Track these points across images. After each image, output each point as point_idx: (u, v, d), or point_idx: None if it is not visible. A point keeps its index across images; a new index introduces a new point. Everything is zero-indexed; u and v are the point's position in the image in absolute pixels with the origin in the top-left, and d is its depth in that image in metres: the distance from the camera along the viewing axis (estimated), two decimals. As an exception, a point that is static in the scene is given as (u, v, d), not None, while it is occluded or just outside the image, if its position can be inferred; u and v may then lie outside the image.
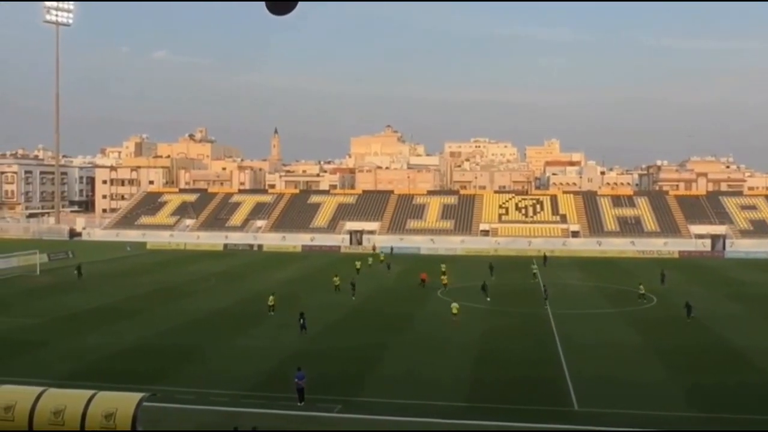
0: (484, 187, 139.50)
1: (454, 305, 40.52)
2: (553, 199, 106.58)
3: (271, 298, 46.16)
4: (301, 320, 39.37)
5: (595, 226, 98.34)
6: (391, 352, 35.83)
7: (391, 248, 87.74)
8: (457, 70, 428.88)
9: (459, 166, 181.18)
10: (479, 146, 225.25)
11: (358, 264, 67.72)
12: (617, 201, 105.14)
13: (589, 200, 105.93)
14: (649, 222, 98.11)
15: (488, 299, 50.99)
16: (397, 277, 64.78)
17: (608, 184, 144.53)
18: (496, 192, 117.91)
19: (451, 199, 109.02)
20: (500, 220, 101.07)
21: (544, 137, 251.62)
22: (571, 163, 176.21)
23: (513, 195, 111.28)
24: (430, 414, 26.18)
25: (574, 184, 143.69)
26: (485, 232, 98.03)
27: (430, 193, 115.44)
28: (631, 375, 31.75)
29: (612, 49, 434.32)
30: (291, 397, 27.51)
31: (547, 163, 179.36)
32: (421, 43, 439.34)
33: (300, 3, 7.39)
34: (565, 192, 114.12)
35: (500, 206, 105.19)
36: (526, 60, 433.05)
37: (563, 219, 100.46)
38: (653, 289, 55.75)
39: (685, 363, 33.90)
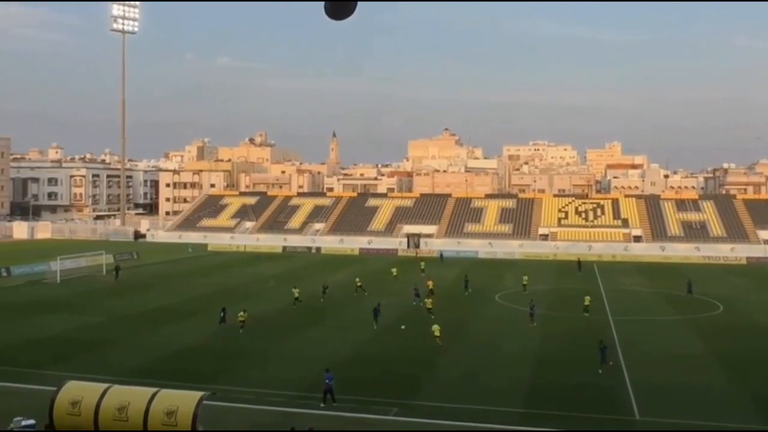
0: (543, 191, 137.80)
1: (436, 327, 39.01)
2: (615, 203, 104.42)
3: (295, 291, 49.81)
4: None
5: (658, 230, 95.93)
6: (446, 356, 35.64)
7: (441, 253, 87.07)
8: (516, 73, 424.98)
9: (518, 169, 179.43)
10: (538, 149, 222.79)
11: (394, 271, 66.25)
12: (682, 205, 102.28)
13: (652, 204, 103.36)
14: (715, 227, 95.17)
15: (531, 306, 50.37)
16: (453, 282, 64.43)
17: (672, 187, 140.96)
18: (555, 195, 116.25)
19: (510, 203, 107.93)
20: (560, 224, 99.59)
21: (606, 140, 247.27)
22: (634, 166, 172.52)
23: (573, 199, 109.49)
24: (487, 419, 25.95)
25: (637, 187, 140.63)
26: (544, 237, 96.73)
27: (488, 196, 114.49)
28: (695, 384, 30.84)
29: (675, 48, 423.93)
30: (347, 399, 27.64)
31: (609, 166, 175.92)
32: (480, 45, 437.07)
33: (357, 7, 7.41)
34: (626, 196, 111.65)
35: (560, 210, 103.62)
36: (586, 61, 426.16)
37: (625, 223, 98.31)
38: (719, 296, 54.06)
39: (751, 373, 32.75)
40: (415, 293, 51.69)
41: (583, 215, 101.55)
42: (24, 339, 38.41)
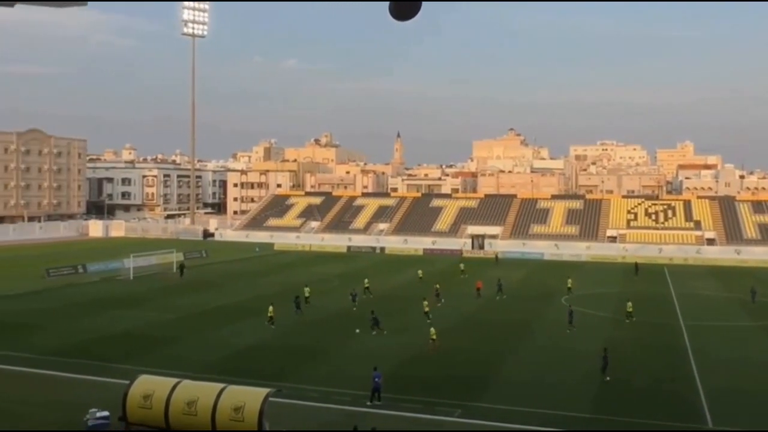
0: (611, 192, 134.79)
1: (432, 330, 38.42)
2: (687, 205, 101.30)
3: (306, 290, 50.35)
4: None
5: (733, 233, 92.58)
6: (511, 358, 35.26)
7: (496, 255, 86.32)
8: (583, 72, 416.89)
9: (585, 169, 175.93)
10: (606, 149, 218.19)
11: (462, 266, 69.29)
12: (758, 207, 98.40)
13: (726, 206, 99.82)
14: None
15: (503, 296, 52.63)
16: (518, 284, 63.71)
17: (748, 188, 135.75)
18: (624, 197, 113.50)
19: (577, 204, 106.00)
20: (629, 226, 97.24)
21: (677, 139, 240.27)
22: (707, 167, 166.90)
23: (643, 200, 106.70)
24: (553, 423, 25.54)
25: (710, 188, 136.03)
26: (612, 238, 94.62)
27: (555, 197, 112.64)
28: (772, 393, 29.63)
29: (748, 42, 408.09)
30: (411, 399, 27.64)
31: (680, 167, 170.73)
32: (545, 45, 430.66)
33: (422, 8, 7.38)
34: (699, 197, 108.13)
35: (629, 211, 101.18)
36: (656, 58, 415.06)
37: (697, 225, 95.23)
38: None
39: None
40: (436, 293, 52.16)
41: (654, 217, 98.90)
42: (98, 333, 39.79)
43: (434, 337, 37.05)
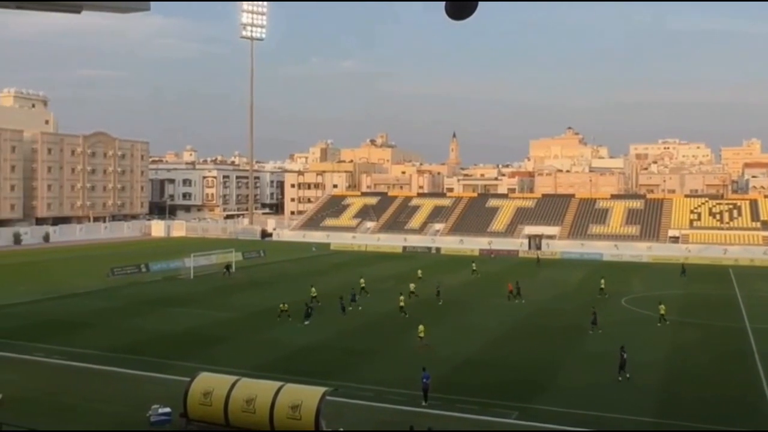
0: (673, 191, 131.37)
1: (421, 327, 37.86)
2: (753, 204, 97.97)
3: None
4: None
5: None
6: (569, 361, 34.70)
7: (538, 256, 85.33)
8: (643, 71, 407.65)
9: (646, 168, 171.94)
10: (668, 147, 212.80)
11: (474, 265, 69.15)
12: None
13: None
14: None
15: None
16: (576, 285, 62.69)
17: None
18: (687, 196, 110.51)
19: (637, 204, 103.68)
20: (692, 226, 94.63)
21: (743, 137, 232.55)
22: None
23: (706, 199, 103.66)
24: (613, 429, 25.02)
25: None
26: (674, 239, 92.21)
27: (614, 197, 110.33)
28: None
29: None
30: (468, 400, 27.48)
31: (746, 165, 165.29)
32: (604, 43, 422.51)
33: (479, 8, 7.31)
34: (767, 196, 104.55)
35: (692, 211, 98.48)
36: (719, 56, 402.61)
37: (765, 225, 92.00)
38: None
39: None
40: (437, 292, 52.28)
41: (718, 217, 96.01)
42: (159, 331, 40.77)
43: (422, 334, 37.08)
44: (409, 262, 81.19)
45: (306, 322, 42.85)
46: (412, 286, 51.61)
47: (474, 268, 68.56)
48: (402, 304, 46.24)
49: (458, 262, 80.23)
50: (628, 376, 30.79)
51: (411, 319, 43.84)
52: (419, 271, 65.59)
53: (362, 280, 56.14)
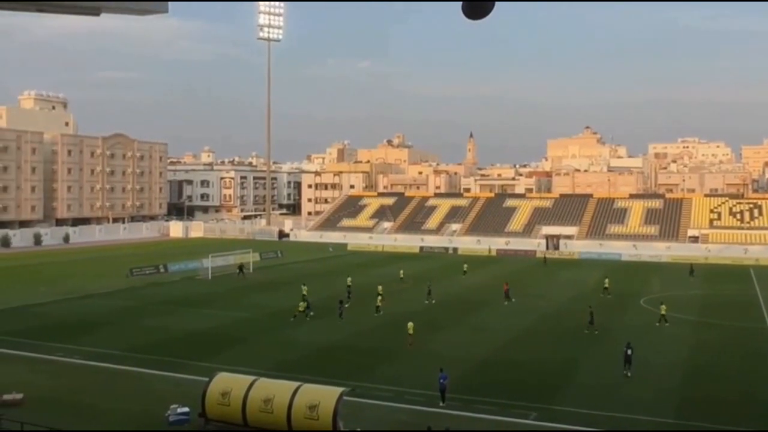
0: (693, 190, 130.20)
1: (410, 324, 38.05)
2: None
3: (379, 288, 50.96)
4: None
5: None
6: (588, 362, 34.47)
7: (545, 256, 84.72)
8: (661, 69, 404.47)
9: (665, 168, 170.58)
10: (687, 147, 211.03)
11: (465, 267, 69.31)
12: None
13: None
14: None
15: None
16: (594, 285, 62.29)
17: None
18: (706, 195, 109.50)
19: (656, 203, 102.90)
20: (711, 226, 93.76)
21: (764, 136, 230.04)
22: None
23: (726, 198, 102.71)
24: (632, 429, 24.84)
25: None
26: (694, 239, 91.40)
27: (633, 196, 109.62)
28: None
29: None
30: (486, 401, 27.39)
31: (767, 164, 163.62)
32: (623, 42, 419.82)
33: (496, 7, 7.28)
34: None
35: (711, 211, 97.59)
36: (737, 54, 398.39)
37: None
38: None
39: None
40: (428, 292, 52.94)
41: (738, 216, 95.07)
42: (178, 332, 40.99)
43: (411, 332, 37.28)
44: (427, 262, 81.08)
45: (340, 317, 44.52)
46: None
47: (465, 269, 68.50)
48: (379, 303, 46.83)
49: (476, 263, 79.90)
50: (629, 375, 30.81)
51: (430, 321, 43.81)
52: (401, 272, 65.75)
53: (349, 279, 56.74)
